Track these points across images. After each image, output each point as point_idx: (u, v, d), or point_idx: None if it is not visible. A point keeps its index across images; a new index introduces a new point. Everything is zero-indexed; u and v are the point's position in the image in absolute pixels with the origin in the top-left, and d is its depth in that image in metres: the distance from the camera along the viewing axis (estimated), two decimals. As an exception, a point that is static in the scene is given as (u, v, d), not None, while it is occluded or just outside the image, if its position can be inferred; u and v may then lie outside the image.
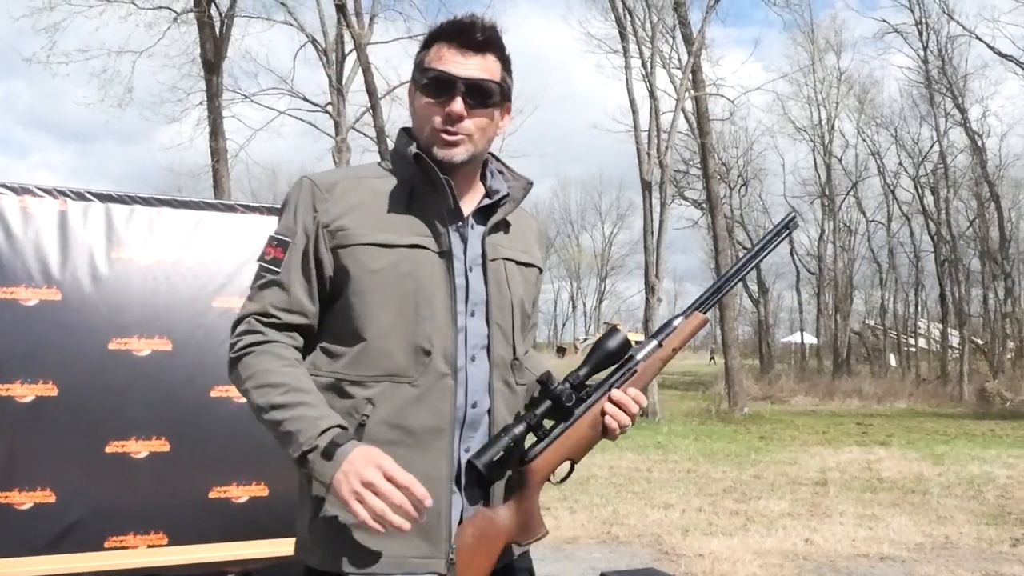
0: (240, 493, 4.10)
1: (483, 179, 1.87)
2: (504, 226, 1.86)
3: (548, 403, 1.74)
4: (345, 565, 1.65)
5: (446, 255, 1.74)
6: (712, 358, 51.01)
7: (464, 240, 1.78)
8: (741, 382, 22.52)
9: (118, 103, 21.05)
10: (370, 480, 1.53)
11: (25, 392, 3.79)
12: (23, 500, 3.75)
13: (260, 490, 4.13)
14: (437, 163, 1.73)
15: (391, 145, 1.90)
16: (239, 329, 1.73)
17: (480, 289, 1.77)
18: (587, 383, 1.80)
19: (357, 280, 1.71)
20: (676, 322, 1.89)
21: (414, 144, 1.77)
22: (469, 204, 1.82)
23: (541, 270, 1.97)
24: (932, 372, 34.22)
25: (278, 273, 1.72)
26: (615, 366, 1.82)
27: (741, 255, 2.12)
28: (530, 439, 1.77)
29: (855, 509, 8.47)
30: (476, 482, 1.73)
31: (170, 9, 20.06)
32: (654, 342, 1.86)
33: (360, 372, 1.69)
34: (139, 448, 3.95)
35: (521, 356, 1.85)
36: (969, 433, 16.54)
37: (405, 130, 1.86)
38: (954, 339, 31.93)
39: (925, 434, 16.29)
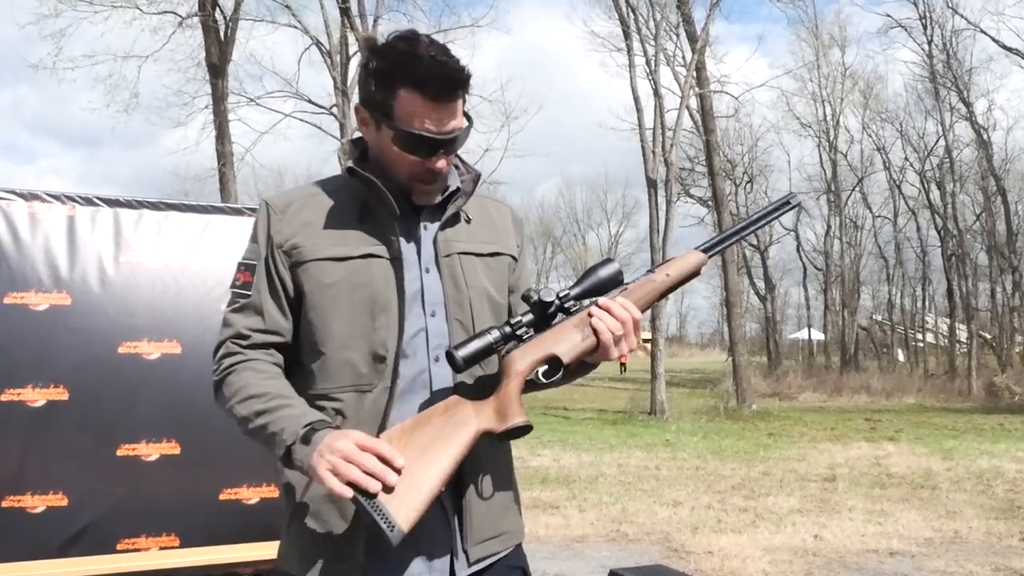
0: (251, 495, 4.13)
1: None
2: (461, 219, 1.84)
3: (533, 314, 1.71)
4: (315, 571, 1.68)
5: (397, 261, 1.73)
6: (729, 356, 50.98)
7: (418, 242, 1.77)
8: (749, 379, 22.52)
9: (124, 108, 21.14)
10: (340, 448, 1.53)
11: (36, 396, 3.82)
12: (36, 503, 3.78)
13: (271, 491, 4.15)
14: (413, 203, 1.76)
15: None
16: (219, 354, 1.75)
17: (437, 289, 1.76)
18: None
19: (313, 295, 1.72)
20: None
21: (351, 160, 1.79)
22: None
23: (515, 258, 1.93)
24: (940, 367, 34.17)
25: (249, 296, 1.75)
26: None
27: (747, 216, 1.99)
28: None
29: (864, 505, 8.47)
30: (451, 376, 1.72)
31: (175, 13, 20.13)
32: (646, 273, 1.81)
33: (326, 385, 1.71)
34: (150, 451, 3.97)
35: None
36: (978, 428, 16.52)
37: (354, 143, 1.86)
38: (962, 334, 31.87)
39: (934, 429, 16.27)
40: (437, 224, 1.79)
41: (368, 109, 1.74)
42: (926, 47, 29.99)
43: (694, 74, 21.92)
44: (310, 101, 21.90)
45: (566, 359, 1.70)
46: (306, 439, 1.57)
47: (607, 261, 1.78)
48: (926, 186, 34.03)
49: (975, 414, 19.90)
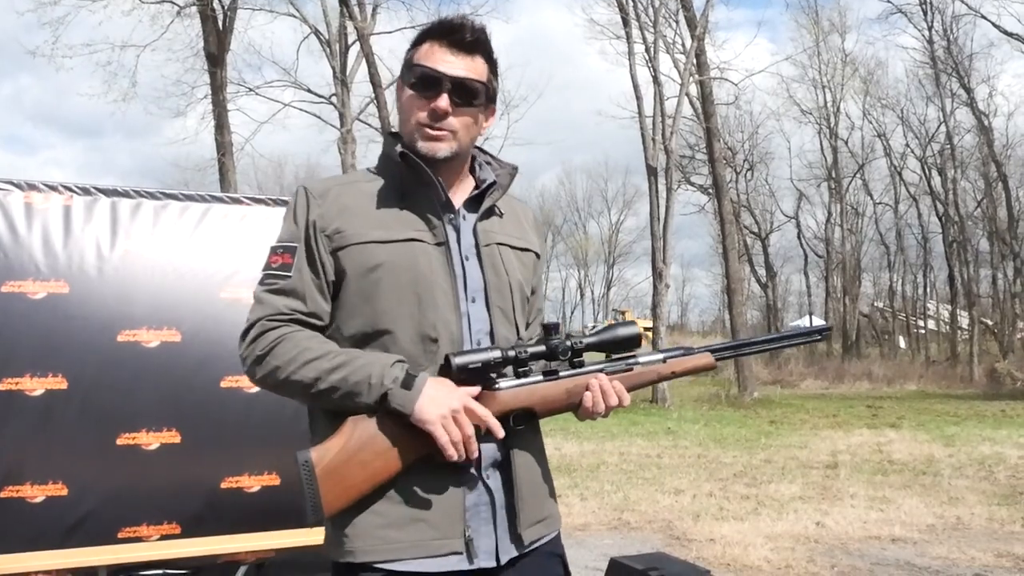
0: (252, 483, 4.11)
1: (472, 172, 1.92)
2: (496, 213, 1.90)
3: (542, 349, 1.74)
4: (366, 554, 1.67)
5: (443, 245, 1.78)
6: None
7: (457, 230, 1.82)
8: (750, 367, 22.51)
9: (123, 97, 21.10)
10: (453, 406, 1.63)
11: (35, 386, 3.80)
12: (35, 493, 3.76)
13: (272, 480, 4.14)
14: (421, 157, 1.78)
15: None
16: (252, 334, 1.73)
17: (477, 276, 1.81)
18: (584, 353, 1.80)
19: (357, 278, 1.75)
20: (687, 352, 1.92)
21: (399, 144, 1.81)
22: (459, 197, 1.86)
23: (538, 255, 1.99)
24: (942, 353, 34.17)
25: (289, 277, 1.74)
26: (617, 356, 1.84)
27: (771, 333, 2.09)
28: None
29: (866, 492, 8.46)
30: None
31: (173, 3, 20.08)
32: (660, 355, 1.88)
33: None
34: (150, 440, 3.96)
35: (525, 337, 1.88)
36: (980, 414, 16.52)
37: (392, 134, 1.90)
38: (963, 320, 31.88)
39: (935, 416, 16.27)
40: (475, 215, 1.85)
41: (400, 78, 1.86)
42: (926, 33, 29.95)
43: (694, 61, 21.86)
44: (309, 91, 21.91)
45: (542, 415, 1.79)
46: (407, 384, 1.63)
47: (630, 323, 1.84)
48: (927, 172, 34.00)
49: (977, 400, 19.92)
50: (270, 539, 4.06)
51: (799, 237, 40.44)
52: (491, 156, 1.97)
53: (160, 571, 4.03)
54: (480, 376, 1.71)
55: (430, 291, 1.74)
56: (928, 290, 40.45)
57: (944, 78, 29.93)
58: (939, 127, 31.96)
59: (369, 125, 21.81)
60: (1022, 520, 7.10)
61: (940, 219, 33.09)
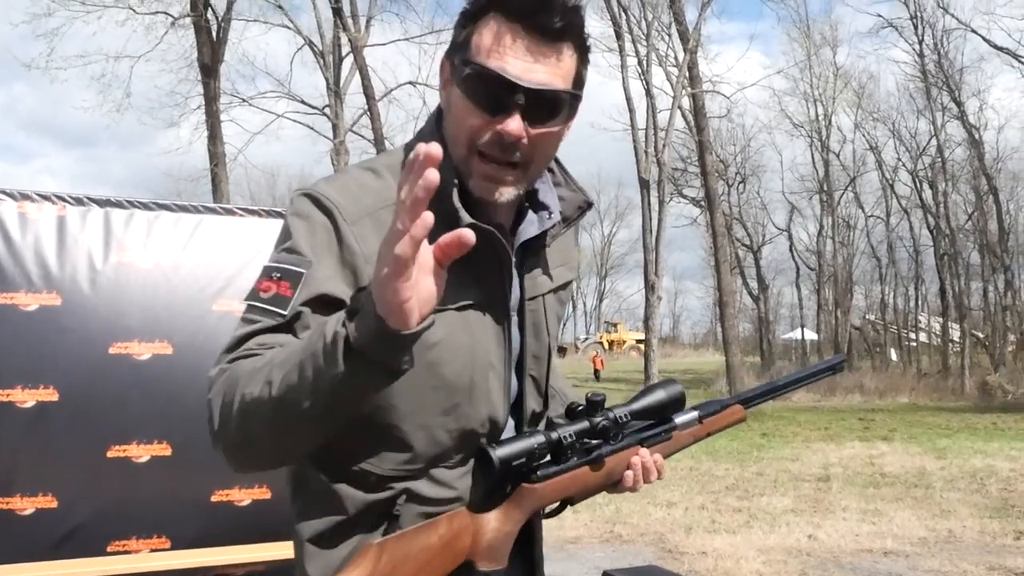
0: (243, 496, 4.10)
1: None
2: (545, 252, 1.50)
3: (586, 427, 1.41)
4: None
5: (499, 309, 1.40)
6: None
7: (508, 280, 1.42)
8: (742, 379, 22.54)
9: (116, 108, 21.09)
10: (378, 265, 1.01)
11: (26, 397, 3.78)
12: (25, 506, 3.74)
13: (263, 493, 4.12)
14: (475, 198, 1.32)
15: (389, 148, 1.65)
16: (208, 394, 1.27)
17: (516, 341, 1.45)
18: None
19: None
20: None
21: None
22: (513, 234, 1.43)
23: (573, 279, 1.64)
24: (933, 366, 34.22)
25: (283, 316, 1.23)
26: (655, 421, 1.56)
27: (792, 373, 1.97)
28: None
29: (858, 504, 8.47)
30: (482, 475, 1.35)
31: (167, 14, 20.11)
32: (695, 414, 1.61)
33: (396, 466, 1.35)
34: (141, 452, 3.94)
35: (551, 406, 1.61)
36: (971, 427, 16.54)
37: (438, 113, 1.39)
38: (955, 333, 31.94)
39: (927, 428, 16.29)
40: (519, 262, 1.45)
41: (448, 57, 1.34)
42: (917, 47, 30.09)
43: (686, 74, 21.95)
44: (303, 102, 21.92)
45: (577, 501, 1.48)
46: (352, 313, 1.07)
47: (671, 383, 1.58)
48: (918, 185, 34.14)
49: (968, 413, 19.93)
50: (261, 552, 4.05)
51: (791, 250, 40.62)
52: (558, 166, 1.48)
53: (150, 584, 4.01)
54: (519, 470, 1.33)
55: (484, 376, 1.37)
56: (919, 303, 40.59)
57: (935, 92, 30.10)
58: (930, 140, 32.12)
59: (362, 136, 21.82)
60: (1014, 533, 7.11)
61: (931, 232, 33.21)
